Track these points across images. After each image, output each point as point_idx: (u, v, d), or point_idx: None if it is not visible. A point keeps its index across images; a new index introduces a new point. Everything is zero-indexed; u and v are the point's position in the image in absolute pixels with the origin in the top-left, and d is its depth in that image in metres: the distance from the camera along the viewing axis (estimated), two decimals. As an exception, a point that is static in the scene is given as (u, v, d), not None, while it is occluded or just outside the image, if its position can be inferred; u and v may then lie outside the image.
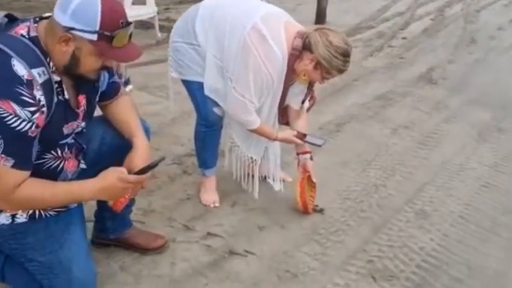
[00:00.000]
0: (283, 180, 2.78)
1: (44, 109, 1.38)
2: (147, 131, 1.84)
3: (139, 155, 1.67)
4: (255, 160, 2.54)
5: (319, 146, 2.50)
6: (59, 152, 1.56)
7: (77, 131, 1.60)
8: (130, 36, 1.46)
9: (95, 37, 1.38)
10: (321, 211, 2.57)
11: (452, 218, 2.61)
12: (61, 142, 1.54)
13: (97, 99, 1.71)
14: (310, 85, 2.45)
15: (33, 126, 1.37)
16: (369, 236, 2.40)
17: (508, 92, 4.53)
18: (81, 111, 1.58)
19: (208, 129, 2.46)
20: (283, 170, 2.86)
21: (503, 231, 2.53)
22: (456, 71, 5.03)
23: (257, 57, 2.14)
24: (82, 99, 1.58)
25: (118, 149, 1.74)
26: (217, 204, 2.57)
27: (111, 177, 1.52)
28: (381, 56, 5.36)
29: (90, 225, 2.12)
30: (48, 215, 1.60)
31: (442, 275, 2.17)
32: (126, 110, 1.79)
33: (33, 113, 1.35)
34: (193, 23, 2.28)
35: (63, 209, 1.64)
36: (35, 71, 1.36)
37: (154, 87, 4.06)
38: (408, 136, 3.53)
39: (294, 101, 2.48)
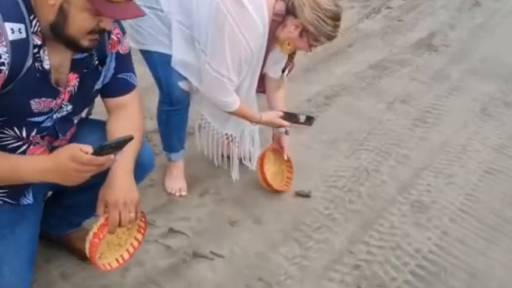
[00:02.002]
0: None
1: (4, 68, 1.14)
2: (145, 166, 1.51)
3: (113, 190, 1.35)
4: (233, 137, 2.21)
5: (309, 125, 2.22)
6: (24, 132, 1.30)
7: (59, 113, 1.34)
8: None
9: None
10: (307, 195, 2.26)
11: (452, 211, 2.30)
12: (30, 120, 1.28)
13: (97, 87, 1.42)
14: (293, 53, 2.09)
15: None
16: (357, 234, 2.09)
17: (514, 61, 4.15)
18: (67, 90, 1.32)
19: (173, 108, 2.09)
20: (262, 149, 2.52)
21: (509, 229, 2.22)
22: (458, 36, 4.62)
23: (233, 26, 1.78)
24: (73, 78, 1.32)
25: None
26: (183, 193, 2.23)
27: (64, 155, 1.20)
28: (378, 19, 4.92)
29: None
30: None
31: (440, 286, 1.87)
32: (123, 127, 1.42)
33: None
34: None
35: (12, 201, 1.39)
36: (8, 25, 1.15)
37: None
38: (404, 111, 3.17)
39: (272, 69, 2.14)
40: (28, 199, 1.42)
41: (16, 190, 1.38)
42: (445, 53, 4.18)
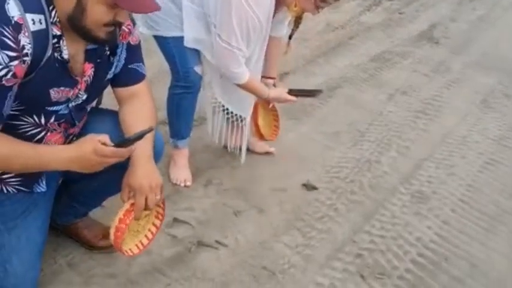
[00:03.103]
0: (267, 152, 2.50)
1: (27, 59, 1.18)
2: (157, 152, 1.54)
3: (137, 176, 1.39)
4: (244, 118, 2.23)
5: (318, 94, 2.32)
6: (43, 119, 1.34)
7: (75, 102, 1.37)
8: None
9: None
10: (314, 187, 2.30)
11: (453, 202, 2.32)
12: (49, 109, 1.32)
13: (109, 76, 1.45)
14: (299, 17, 2.11)
15: (9, 74, 1.16)
16: (359, 224, 2.12)
17: (514, 53, 4.17)
18: (83, 80, 1.35)
19: (186, 90, 2.13)
20: (267, 141, 2.55)
21: (508, 219, 2.24)
22: (459, 29, 4.64)
23: None
24: (88, 68, 1.35)
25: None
26: (188, 183, 2.26)
27: (87, 148, 1.26)
28: (378, 11, 4.93)
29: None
30: (6, 191, 1.38)
31: (440, 274, 1.90)
32: (139, 115, 1.47)
33: (11, 58, 1.15)
34: None
35: (26, 189, 1.41)
36: (29, 16, 1.17)
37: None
38: (406, 103, 3.19)
39: (275, 28, 2.14)
40: (42, 187, 1.45)
41: (30, 178, 1.41)
42: (445, 45, 4.20)
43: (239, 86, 2.04)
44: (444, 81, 3.56)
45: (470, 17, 5.01)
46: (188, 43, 2.00)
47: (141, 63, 1.52)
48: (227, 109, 2.21)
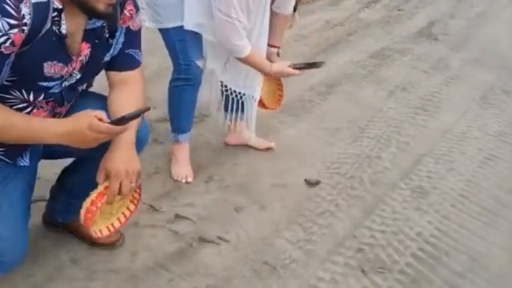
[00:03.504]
0: (268, 148, 2.52)
1: (26, 29, 1.18)
2: (142, 139, 1.53)
3: (115, 160, 1.37)
4: (254, 98, 2.25)
5: (321, 66, 2.27)
6: (32, 95, 1.33)
7: (68, 82, 1.38)
8: None
9: None
10: (316, 183, 2.32)
11: (453, 197, 2.33)
12: (40, 84, 1.31)
13: (106, 59, 1.45)
14: None
15: (8, 42, 1.17)
16: (359, 219, 2.13)
17: (513, 50, 4.18)
18: (78, 59, 1.36)
19: (187, 83, 2.16)
20: (267, 138, 2.56)
21: (508, 214, 2.26)
22: (458, 25, 4.65)
23: None
24: (85, 48, 1.35)
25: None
26: (190, 180, 2.27)
27: (83, 122, 1.25)
28: (377, 8, 4.94)
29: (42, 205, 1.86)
30: None
31: (441, 268, 1.91)
32: (129, 99, 1.46)
33: (12, 26, 1.16)
34: None
35: (8, 161, 1.39)
36: None
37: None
38: (405, 99, 3.20)
39: (284, 5, 2.17)
40: (25, 161, 1.42)
41: (14, 150, 1.39)
42: (444, 42, 4.21)
43: (241, 60, 2.06)
44: (443, 77, 3.57)
45: (469, 13, 5.03)
46: (188, 26, 2.02)
47: (138, 50, 1.52)
48: (239, 92, 2.24)
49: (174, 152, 2.32)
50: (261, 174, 2.35)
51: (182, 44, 2.07)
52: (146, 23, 2.09)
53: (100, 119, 1.25)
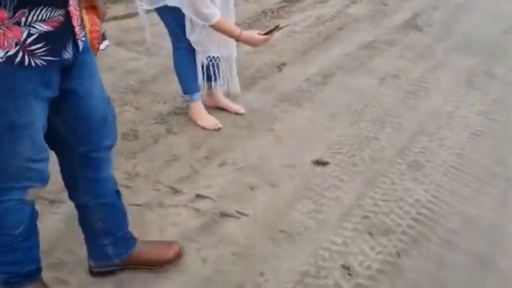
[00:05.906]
0: (237, 113, 2.91)
1: None
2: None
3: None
4: (231, 57, 2.68)
5: (282, 27, 2.70)
6: None
7: None
8: None
9: None
10: (326, 163, 2.53)
11: (445, 168, 2.56)
12: None
13: None
14: None
15: None
16: (363, 191, 2.34)
17: (493, 36, 4.44)
18: None
19: (189, 47, 2.56)
20: (273, 126, 2.78)
21: (496, 181, 2.49)
22: (440, 16, 4.91)
23: None
24: None
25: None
26: (220, 126, 2.71)
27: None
28: (364, 3, 5.19)
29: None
30: (34, 64, 1.27)
31: (438, 228, 2.13)
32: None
33: None
34: None
35: (54, 58, 1.32)
36: None
37: (132, 42, 3.86)
38: (396, 86, 3.43)
39: None
40: (69, 52, 1.37)
41: (59, 42, 1.34)
42: (429, 32, 4.46)
43: (213, 27, 2.40)
44: (430, 64, 3.81)
45: (450, 5, 5.29)
46: (170, 2, 2.38)
47: None
48: (216, 57, 2.61)
49: (192, 111, 2.74)
50: (270, 157, 2.56)
51: (175, 18, 2.45)
52: (144, 5, 2.47)
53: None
